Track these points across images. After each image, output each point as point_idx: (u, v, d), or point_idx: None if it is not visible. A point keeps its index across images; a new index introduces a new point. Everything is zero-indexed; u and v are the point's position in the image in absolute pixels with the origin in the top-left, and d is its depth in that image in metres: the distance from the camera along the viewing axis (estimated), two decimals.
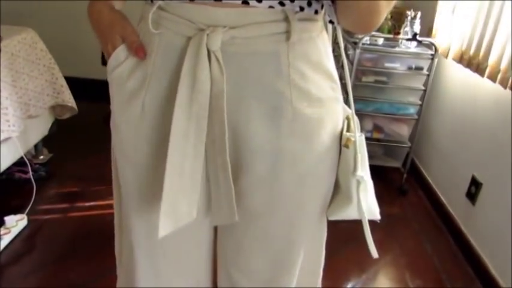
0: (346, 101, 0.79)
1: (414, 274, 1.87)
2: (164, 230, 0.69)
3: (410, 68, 2.26)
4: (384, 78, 2.28)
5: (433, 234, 2.16)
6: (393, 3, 0.64)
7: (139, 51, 0.70)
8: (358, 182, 0.77)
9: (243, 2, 0.63)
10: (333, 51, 0.79)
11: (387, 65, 2.25)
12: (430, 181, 2.43)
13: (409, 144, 2.41)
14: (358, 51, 2.18)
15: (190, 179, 0.68)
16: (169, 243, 0.81)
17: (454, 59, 2.11)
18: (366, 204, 0.78)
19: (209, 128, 0.67)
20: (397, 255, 1.96)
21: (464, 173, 2.05)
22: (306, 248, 0.85)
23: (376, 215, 0.82)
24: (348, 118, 0.79)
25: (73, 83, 2.44)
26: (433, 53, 2.18)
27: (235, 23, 0.64)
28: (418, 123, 2.33)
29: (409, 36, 2.20)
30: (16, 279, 1.64)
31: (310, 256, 0.87)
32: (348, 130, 0.78)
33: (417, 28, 2.20)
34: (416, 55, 2.24)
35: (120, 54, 0.72)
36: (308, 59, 0.69)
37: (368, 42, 2.24)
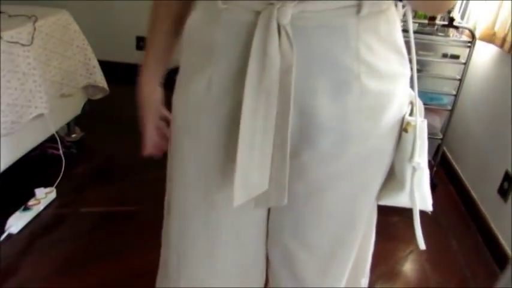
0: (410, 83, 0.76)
1: (436, 270, 1.81)
2: (238, 200, 0.70)
3: (445, 56, 2.16)
4: (417, 67, 2.19)
5: (461, 230, 2.08)
6: None
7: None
8: (414, 169, 0.74)
9: None
10: None
11: (421, 52, 2.16)
12: (461, 175, 2.33)
13: (440, 136, 2.32)
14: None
15: (261, 152, 0.68)
16: (227, 217, 0.81)
17: (482, 38, 1.99)
18: (419, 193, 0.76)
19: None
20: (419, 250, 1.90)
21: (497, 168, 1.95)
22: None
23: (428, 206, 0.79)
24: (411, 102, 0.76)
25: (107, 66, 2.51)
26: (470, 40, 2.08)
27: None
28: (451, 115, 2.23)
29: (446, 22, 2.10)
30: (45, 248, 1.73)
31: (364, 238, 0.87)
32: (411, 114, 0.75)
33: (455, 13, 2.09)
34: (452, 42, 2.13)
35: None
36: (377, 33, 0.67)
37: (401, 28, 2.16)
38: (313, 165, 0.72)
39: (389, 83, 0.69)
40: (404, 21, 0.76)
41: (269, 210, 0.86)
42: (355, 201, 0.78)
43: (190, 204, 0.82)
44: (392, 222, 1.95)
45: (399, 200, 0.78)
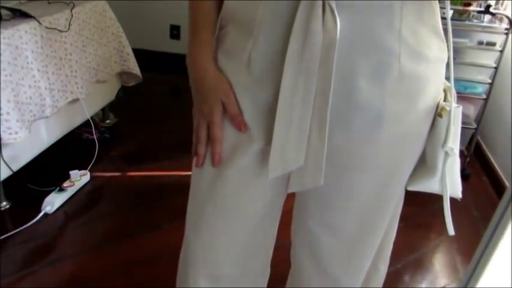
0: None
1: (466, 260, 1.77)
2: (273, 172, 0.71)
3: (481, 43, 2.10)
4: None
5: None
6: None
7: (241, 125, 0.73)
8: (447, 155, 0.74)
9: None
10: None
11: (455, 39, 2.11)
12: (496, 166, 2.26)
13: (474, 126, 2.26)
14: None
15: (298, 129, 0.68)
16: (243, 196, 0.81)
17: None
18: (450, 179, 0.76)
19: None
20: (449, 240, 1.87)
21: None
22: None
23: (458, 193, 0.78)
24: (445, 89, 0.76)
25: (141, 54, 2.57)
26: (507, 27, 2.01)
27: None
28: (486, 104, 2.17)
29: (482, 8, 2.04)
30: (80, 227, 1.80)
31: (388, 224, 0.86)
32: (445, 100, 0.75)
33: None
34: (489, 29, 2.07)
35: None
36: (420, 15, 0.67)
37: None
38: (345, 147, 0.72)
39: (427, 67, 0.69)
40: (442, 7, 0.75)
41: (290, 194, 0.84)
42: (385, 186, 0.77)
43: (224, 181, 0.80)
44: (420, 210, 1.92)
45: (429, 186, 0.78)
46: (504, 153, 2.23)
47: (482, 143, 2.45)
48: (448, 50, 0.73)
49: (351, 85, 0.67)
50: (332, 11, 0.62)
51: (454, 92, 0.75)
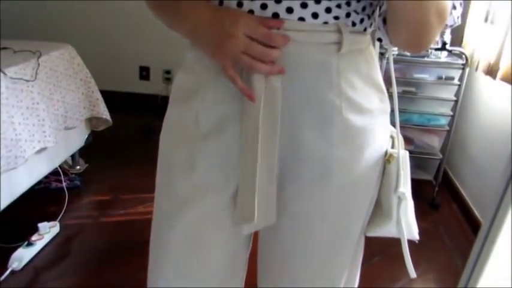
0: (391, 116, 0.79)
1: None
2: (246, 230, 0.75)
3: (440, 78, 2.20)
4: (412, 89, 2.23)
5: (466, 250, 2.06)
6: (445, 19, 0.65)
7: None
8: (400, 199, 0.77)
9: (299, 19, 0.65)
10: None
11: (416, 75, 2.21)
12: (464, 194, 2.33)
13: (440, 156, 2.34)
14: (385, 61, 2.15)
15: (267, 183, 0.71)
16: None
17: (483, 72, 2.03)
18: (405, 222, 0.78)
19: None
20: (425, 270, 1.89)
21: (501, 186, 1.95)
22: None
23: (415, 235, 0.81)
24: (392, 136, 0.79)
25: (110, 96, 2.56)
26: (463, 62, 2.12)
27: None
28: (449, 134, 2.26)
29: (439, 45, 2.15)
30: (49, 282, 1.71)
31: (348, 273, 0.86)
32: (392, 147, 0.79)
33: (447, 37, 2.15)
34: (446, 65, 2.18)
35: None
36: (358, 70, 0.70)
37: (396, 52, 2.21)
38: (298, 198, 0.74)
39: (370, 119, 0.72)
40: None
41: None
42: (340, 234, 0.79)
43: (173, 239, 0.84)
44: (393, 243, 1.93)
45: (387, 231, 0.81)
46: (471, 181, 2.31)
47: (449, 172, 2.53)
48: (393, 99, 0.77)
49: (297, 138, 0.70)
50: None
51: (401, 138, 0.78)
